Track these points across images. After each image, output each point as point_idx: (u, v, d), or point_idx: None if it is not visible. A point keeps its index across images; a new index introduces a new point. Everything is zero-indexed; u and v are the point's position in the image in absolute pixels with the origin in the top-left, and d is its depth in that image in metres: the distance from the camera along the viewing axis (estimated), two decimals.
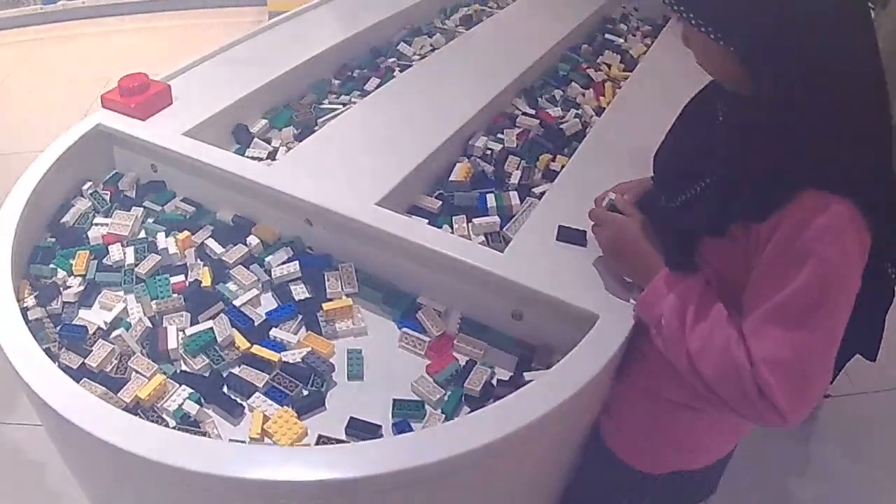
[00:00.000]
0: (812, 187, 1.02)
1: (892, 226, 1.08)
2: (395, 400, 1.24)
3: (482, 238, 1.50)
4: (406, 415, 1.23)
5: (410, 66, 2.04)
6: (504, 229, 1.52)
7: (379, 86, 1.95)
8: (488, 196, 1.58)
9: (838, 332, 1.07)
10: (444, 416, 1.23)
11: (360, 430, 1.19)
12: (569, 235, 1.39)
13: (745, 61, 1.05)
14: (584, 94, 1.99)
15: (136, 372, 1.24)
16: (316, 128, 1.79)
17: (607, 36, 2.35)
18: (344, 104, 1.88)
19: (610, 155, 1.65)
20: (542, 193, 1.61)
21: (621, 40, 2.33)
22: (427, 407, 1.25)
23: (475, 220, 1.52)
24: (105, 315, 1.33)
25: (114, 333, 1.29)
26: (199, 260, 1.45)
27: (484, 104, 1.79)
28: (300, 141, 1.74)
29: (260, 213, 1.52)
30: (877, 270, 1.12)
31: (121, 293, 1.39)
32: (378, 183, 1.48)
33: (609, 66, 2.15)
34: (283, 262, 1.43)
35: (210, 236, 1.50)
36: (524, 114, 1.86)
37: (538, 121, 1.84)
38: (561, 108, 1.91)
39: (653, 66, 2.10)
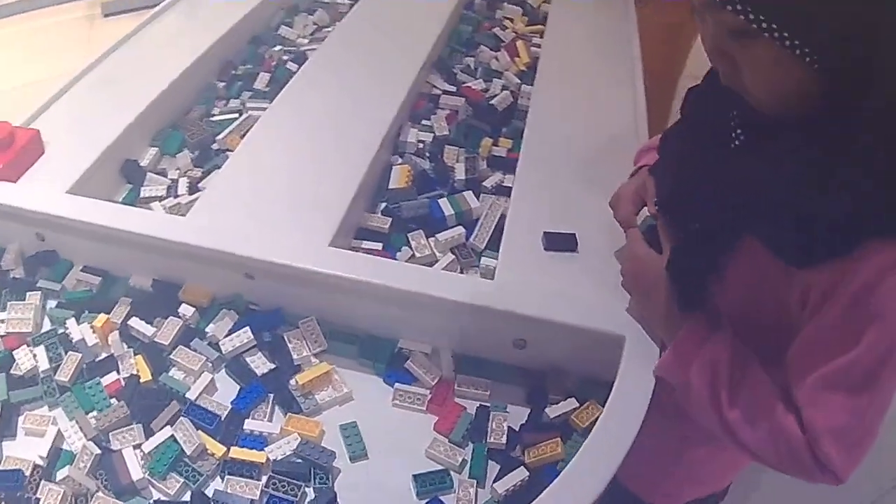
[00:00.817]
0: (879, 237, 0.86)
1: None
2: (415, 476, 1.04)
3: (450, 256, 1.29)
4: (433, 490, 1.04)
5: (298, 51, 1.78)
6: (471, 239, 1.32)
7: (270, 82, 1.67)
8: (441, 202, 1.37)
9: None
10: (474, 480, 1.05)
11: None
12: (557, 242, 1.22)
13: (830, 71, 0.83)
14: (497, 59, 1.78)
15: None
16: (214, 145, 1.52)
17: None
18: (239, 112, 1.60)
19: (558, 141, 1.47)
20: (495, 186, 1.44)
21: None
22: (452, 474, 1.06)
23: (438, 237, 1.31)
24: (37, 446, 1.04)
25: (60, 474, 1.01)
26: (125, 345, 1.16)
27: (405, 90, 1.55)
28: (200, 167, 1.47)
29: (185, 271, 1.24)
30: None
31: (45, 410, 1.10)
32: (322, 217, 1.25)
33: (511, 20, 1.95)
34: (231, 332, 1.17)
35: (130, 312, 1.21)
36: (445, 92, 1.64)
37: (463, 98, 1.63)
38: (482, 80, 1.71)
39: (561, 25, 1.90)
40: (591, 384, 1.13)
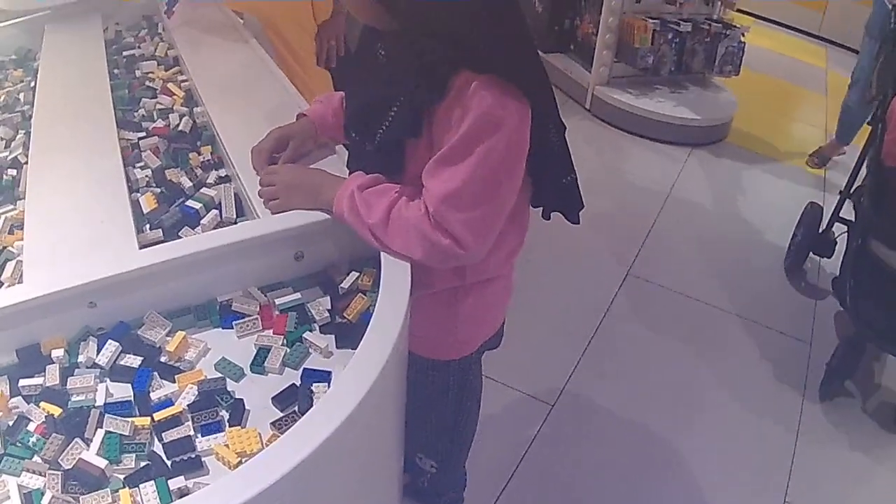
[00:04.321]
0: (463, 69, 1.16)
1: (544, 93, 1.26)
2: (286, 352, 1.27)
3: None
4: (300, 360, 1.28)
5: (6, 159, 1.74)
6: (224, 216, 1.52)
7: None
8: (188, 203, 1.53)
9: (498, 164, 1.19)
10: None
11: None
12: None
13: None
14: (160, 102, 1.90)
15: None
16: None
17: (125, 53, 2.19)
18: None
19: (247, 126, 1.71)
20: (217, 180, 1.62)
21: (138, 51, 2.21)
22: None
23: (202, 222, 1.49)
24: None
25: None
26: (26, 404, 1.21)
27: (116, 149, 1.65)
28: None
29: (37, 332, 1.28)
30: (542, 135, 1.26)
31: None
32: (121, 239, 1.38)
33: (152, 72, 2.05)
34: (99, 351, 1.27)
35: (11, 383, 1.24)
36: (140, 139, 1.74)
37: (156, 137, 1.74)
38: (161, 120, 1.82)
39: (194, 59, 2.09)
40: (361, 260, 1.41)
